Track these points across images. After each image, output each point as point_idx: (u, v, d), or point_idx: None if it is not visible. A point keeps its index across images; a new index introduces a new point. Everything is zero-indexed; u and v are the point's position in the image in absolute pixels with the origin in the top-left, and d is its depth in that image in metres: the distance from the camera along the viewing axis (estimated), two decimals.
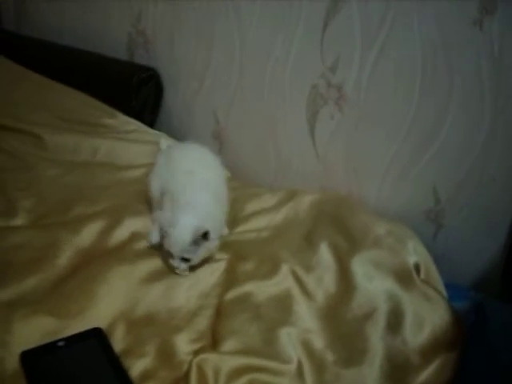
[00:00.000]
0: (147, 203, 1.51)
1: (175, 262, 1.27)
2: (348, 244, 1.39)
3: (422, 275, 1.34)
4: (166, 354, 1.13)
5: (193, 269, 1.30)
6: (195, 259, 1.28)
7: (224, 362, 1.06)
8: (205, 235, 1.25)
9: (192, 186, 1.36)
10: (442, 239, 1.57)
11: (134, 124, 1.93)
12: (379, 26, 1.47)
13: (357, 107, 1.60)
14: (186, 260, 1.27)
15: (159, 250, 1.33)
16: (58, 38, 2.26)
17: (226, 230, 1.45)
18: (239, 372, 1.05)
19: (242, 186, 1.72)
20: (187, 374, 1.04)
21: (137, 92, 1.97)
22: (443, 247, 1.55)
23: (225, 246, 1.42)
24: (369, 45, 1.51)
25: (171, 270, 1.29)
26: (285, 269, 1.31)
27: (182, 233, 1.25)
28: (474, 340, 1.23)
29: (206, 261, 1.33)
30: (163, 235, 1.29)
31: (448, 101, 1.44)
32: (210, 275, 1.33)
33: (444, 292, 1.32)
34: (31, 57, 2.21)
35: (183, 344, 1.15)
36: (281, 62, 1.70)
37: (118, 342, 1.14)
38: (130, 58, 2.12)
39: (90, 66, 2.11)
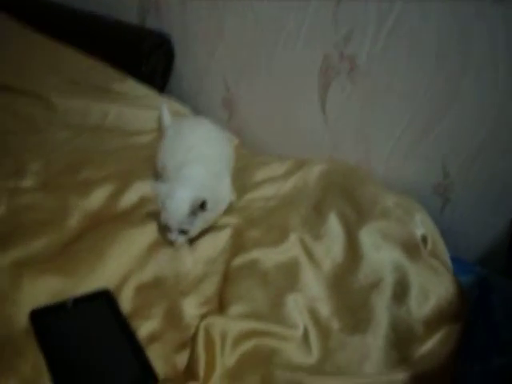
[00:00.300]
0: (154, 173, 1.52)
1: (173, 236, 1.26)
2: (356, 214, 1.39)
3: (429, 248, 1.33)
4: (173, 317, 1.14)
5: (191, 241, 1.30)
6: (193, 231, 1.28)
7: (231, 325, 1.07)
8: (202, 205, 1.25)
9: (190, 160, 1.37)
10: (449, 213, 1.57)
11: (144, 89, 1.93)
12: None
13: (369, 79, 1.58)
14: (183, 232, 1.27)
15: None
16: (69, 0, 2.24)
17: (233, 197, 1.46)
18: (246, 336, 1.06)
19: (250, 154, 1.72)
20: (194, 337, 1.05)
21: (148, 57, 1.96)
22: (450, 221, 1.54)
23: (232, 212, 1.43)
24: (384, 16, 1.49)
25: (168, 244, 1.28)
26: (293, 237, 1.31)
27: (179, 204, 1.25)
28: (478, 314, 1.24)
29: (203, 233, 1.33)
30: (160, 209, 1.29)
31: (461, 75, 1.42)
32: (217, 241, 1.33)
33: (450, 265, 1.32)
34: (42, 19, 2.20)
35: (190, 308, 1.16)
36: (294, 32, 1.68)
37: (126, 304, 1.16)
38: (141, 22, 2.10)
39: (101, 30, 2.10)
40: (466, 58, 1.40)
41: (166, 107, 1.75)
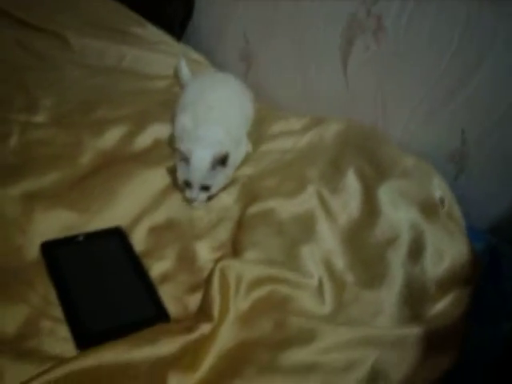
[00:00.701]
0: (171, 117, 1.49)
1: (193, 193, 1.24)
2: (375, 172, 1.38)
3: (446, 210, 1.33)
4: (187, 259, 1.13)
5: (209, 199, 1.28)
6: (215, 187, 1.26)
7: (246, 270, 1.06)
8: (224, 160, 1.24)
9: (209, 120, 1.36)
10: (463, 181, 1.55)
11: (162, 35, 1.90)
12: None
13: (393, 42, 1.55)
14: (205, 189, 1.25)
15: None
16: None
17: (249, 148, 1.44)
18: (261, 281, 1.06)
19: (266, 107, 1.69)
20: (209, 279, 1.04)
21: (169, 3, 1.93)
22: (463, 189, 1.52)
23: (248, 162, 1.42)
24: None
25: (188, 203, 1.26)
26: (310, 189, 1.30)
27: (201, 158, 1.23)
28: (488, 280, 1.25)
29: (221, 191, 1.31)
30: (179, 167, 1.27)
31: (488, 47, 1.39)
32: (233, 189, 1.32)
33: (464, 229, 1.31)
34: None
35: (203, 251, 1.15)
36: None
37: (138, 243, 1.15)
38: None
39: None
40: (493, 31, 1.37)
41: (184, 62, 1.72)
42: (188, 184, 1.24)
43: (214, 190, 1.27)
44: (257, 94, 1.75)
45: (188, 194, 1.25)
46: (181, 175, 1.25)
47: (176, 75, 1.74)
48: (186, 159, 1.23)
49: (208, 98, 1.43)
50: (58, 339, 0.93)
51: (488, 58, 1.40)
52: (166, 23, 1.95)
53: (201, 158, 1.23)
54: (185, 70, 1.70)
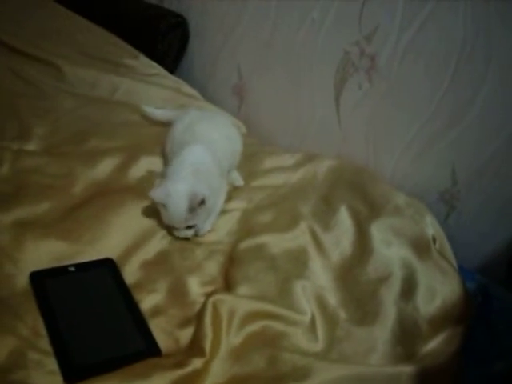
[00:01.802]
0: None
1: (181, 233, 1.24)
2: (368, 209, 1.38)
3: (438, 248, 1.33)
4: (178, 293, 1.12)
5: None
6: (200, 224, 1.25)
7: (239, 304, 1.05)
8: (202, 201, 1.21)
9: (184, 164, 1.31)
10: (453, 221, 1.56)
11: (156, 68, 1.91)
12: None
13: (387, 80, 1.57)
14: (189, 227, 1.24)
15: None
16: None
17: (240, 180, 1.45)
18: (253, 317, 1.05)
19: (259, 143, 1.70)
20: (201, 313, 1.03)
21: (163, 37, 1.95)
22: (453, 229, 1.53)
23: (241, 197, 1.41)
24: (410, 18, 1.48)
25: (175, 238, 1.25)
26: (303, 225, 1.30)
27: (177, 204, 1.21)
28: (479, 320, 1.25)
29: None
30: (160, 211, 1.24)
31: (480, 86, 1.41)
32: (225, 223, 1.32)
33: (456, 267, 1.32)
34: None
35: (195, 285, 1.14)
36: (316, 24, 1.67)
37: (129, 275, 1.13)
38: (159, 2, 2.08)
39: (119, 6, 2.10)
40: (487, 71, 1.40)
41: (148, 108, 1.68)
42: (173, 227, 1.24)
43: (199, 227, 1.26)
44: (249, 129, 1.77)
45: (175, 233, 1.24)
46: (164, 219, 1.24)
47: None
48: (163, 205, 1.22)
49: (196, 130, 1.42)
50: (46, 372, 0.91)
51: (480, 94, 1.42)
52: (160, 56, 1.96)
53: (176, 204, 1.21)
54: (154, 110, 1.66)
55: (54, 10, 2.05)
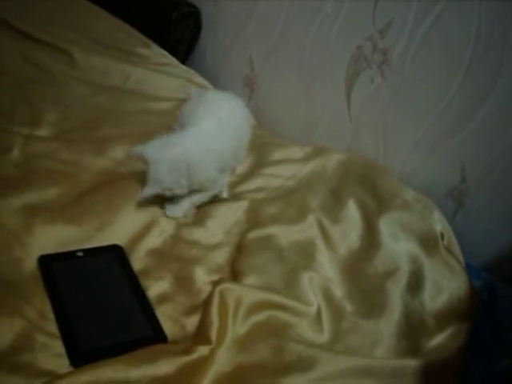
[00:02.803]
0: None
1: (168, 210, 1.24)
2: (376, 204, 1.39)
3: (445, 244, 1.34)
4: (185, 281, 1.12)
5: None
6: (183, 193, 1.23)
7: (246, 294, 1.05)
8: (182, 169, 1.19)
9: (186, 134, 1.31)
10: (461, 218, 1.57)
11: (168, 57, 1.91)
12: None
13: (399, 75, 1.57)
14: (177, 199, 1.23)
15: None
16: None
17: (225, 194, 1.39)
18: (260, 306, 1.05)
19: (268, 135, 1.70)
20: (208, 301, 1.03)
21: (176, 26, 1.94)
22: (461, 226, 1.53)
23: (249, 186, 1.42)
24: (424, 13, 1.48)
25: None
26: (311, 218, 1.31)
27: (159, 168, 1.20)
28: (484, 316, 1.24)
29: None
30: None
31: (493, 82, 1.41)
32: (232, 213, 1.32)
33: (463, 264, 1.32)
34: None
35: (202, 274, 1.14)
36: (330, 18, 1.67)
37: (137, 262, 1.14)
38: None
39: None
40: (500, 68, 1.40)
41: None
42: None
43: (186, 203, 1.25)
44: (259, 120, 1.77)
45: (166, 210, 1.24)
46: (148, 183, 1.23)
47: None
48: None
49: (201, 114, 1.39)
50: (53, 355, 0.91)
51: (492, 93, 1.42)
52: (172, 45, 1.96)
53: (158, 168, 1.20)
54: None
55: None
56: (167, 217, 1.24)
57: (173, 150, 1.22)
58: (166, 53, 1.92)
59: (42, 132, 1.44)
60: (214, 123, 1.34)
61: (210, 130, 1.32)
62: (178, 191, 1.23)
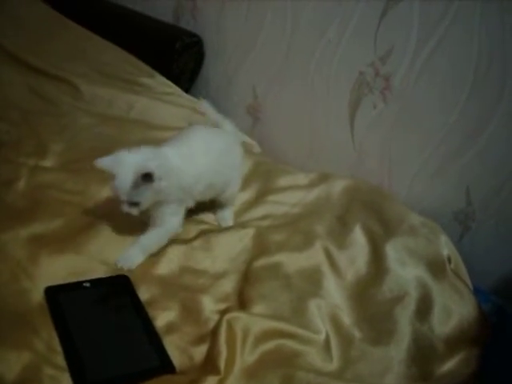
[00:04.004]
0: None
1: (124, 207, 1.17)
2: (382, 229, 1.38)
3: (453, 268, 1.33)
4: (192, 311, 1.12)
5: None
6: (143, 204, 1.17)
7: (254, 323, 1.05)
8: (147, 176, 1.14)
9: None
10: (468, 242, 1.56)
11: (171, 87, 1.93)
12: (439, 21, 1.45)
13: (401, 100, 1.58)
14: (134, 204, 1.17)
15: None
16: None
17: (230, 222, 1.39)
18: (268, 335, 1.04)
19: (272, 162, 1.70)
20: (216, 331, 1.03)
21: (179, 56, 1.96)
22: (467, 249, 1.53)
23: (254, 213, 1.42)
24: (425, 39, 1.49)
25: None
26: (318, 244, 1.30)
27: (123, 174, 1.15)
28: (495, 340, 1.23)
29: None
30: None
31: (496, 106, 1.42)
32: (239, 241, 1.31)
33: (471, 287, 1.31)
34: (77, 10, 2.22)
35: (209, 303, 1.14)
36: (332, 45, 1.69)
37: (143, 292, 1.13)
38: (175, 22, 2.12)
39: (135, 26, 2.12)
40: (502, 92, 1.40)
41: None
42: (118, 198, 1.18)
43: (143, 207, 1.18)
44: (263, 148, 1.77)
45: (122, 207, 1.18)
46: (111, 189, 1.20)
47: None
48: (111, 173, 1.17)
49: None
50: None
51: (496, 115, 1.43)
52: (175, 75, 1.98)
53: (123, 174, 1.15)
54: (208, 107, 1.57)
55: (72, 30, 2.07)
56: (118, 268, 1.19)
57: (136, 156, 1.18)
58: (169, 82, 1.94)
59: (48, 162, 1.46)
60: (192, 148, 1.30)
61: (184, 151, 1.28)
62: (137, 199, 1.17)
